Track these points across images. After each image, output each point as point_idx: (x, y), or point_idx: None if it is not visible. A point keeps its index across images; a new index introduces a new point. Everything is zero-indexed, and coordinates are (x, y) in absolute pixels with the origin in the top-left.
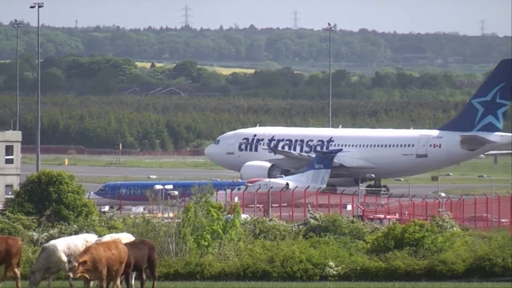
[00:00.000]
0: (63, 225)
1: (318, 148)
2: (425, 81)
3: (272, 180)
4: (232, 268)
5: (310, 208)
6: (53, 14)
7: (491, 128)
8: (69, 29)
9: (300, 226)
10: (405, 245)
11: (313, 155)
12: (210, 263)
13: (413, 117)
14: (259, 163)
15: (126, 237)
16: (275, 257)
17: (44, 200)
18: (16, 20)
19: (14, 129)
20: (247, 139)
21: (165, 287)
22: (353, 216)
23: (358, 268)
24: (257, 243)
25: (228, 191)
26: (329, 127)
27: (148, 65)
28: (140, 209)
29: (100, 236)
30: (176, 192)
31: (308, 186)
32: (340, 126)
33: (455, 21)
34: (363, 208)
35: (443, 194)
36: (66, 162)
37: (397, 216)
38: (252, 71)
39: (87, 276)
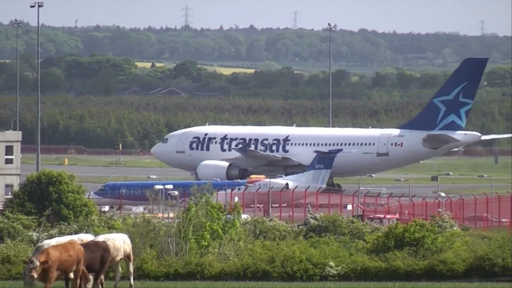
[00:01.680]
0: (63, 225)
1: (274, 147)
2: (425, 81)
3: (272, 180)
4: (232, 268)
5: (310, 208)
6: (53, 13)
7: (454, 126)
8: (69, 29)
9: (300, 226)
10: (405, 245)
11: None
12: (210, 263)
13: (413, 117)
14: (217, 162)
15: (121, 239)
16: (275, 257)
17: (44, 200)
18: (16, 20)
19: (14, 129)
20: (198, 138)
21: (165, 287)
22: (353, 216)
23: (358, 268)
24: (257, 243)
25: (228, 191)
26: (329, 127)
27: (148, 65)
28: (140, 209)
29: (96, 235)
30: (176, 192)
31: (308, 186)
32: (294, 124)
33: (455, 21)
34: (363, 208)
35: (443, 194)
36: (66, 162)
37: (397, 216)
38: (252, 71)
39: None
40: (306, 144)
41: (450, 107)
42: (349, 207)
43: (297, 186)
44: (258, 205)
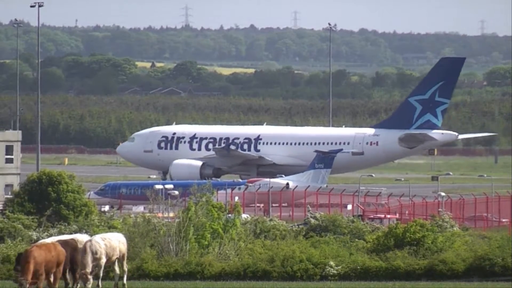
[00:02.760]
0: (63, 225)
1: (245, 146)
2: None
3: (272, 180)
4: (232, 268)
5: (310, 208)
6: (53, 13)
7: (430, 126)
8: (69, 29)
9: (300, 226)
10: (405, 245)
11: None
12: (210, 262)
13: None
14: (189, 161)
15: (116, 239)
16: (275, 257)
17: (44, 200)
18: (16, 20)
19: (14, 128)
20: (166, 137)
21: (165, 287)
22: (353, 216)
23: (358, 267)
24: (257, 243)
25: (229, 190)
26: (329, 126)
27: (148, 65)
28: (140, 208)
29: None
30: (177, 192)
31: (308, 186)
32: (265, 123)
33: (455, 21)
34: (363, 208)
35: (443, 194)
36: (66, 162)
37: (397, 215)
38: (252, 70)
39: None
40: (279, 143)
41: (426, 106)
42: (349, 207)
43: (297, 186)
44: (258, 205)
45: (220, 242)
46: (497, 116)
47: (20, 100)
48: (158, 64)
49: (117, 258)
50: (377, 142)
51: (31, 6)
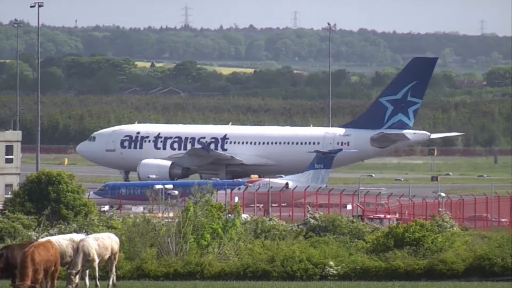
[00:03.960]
0: (63, 224)
1: (212, 146)
2: None
3: (272, 180)
4: (232, 268)
5: (309, 208)
6: (53, 13)
7: (401, 126)
8: (69, 29)
9: (300, 226)
10: (405, 245)
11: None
12: (210, 262)
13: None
14: (158, 161)
15: (109, 237)
16: (275, 257)
17: (44, 200)
18: (16, 20)
19: (14, 128)
20: (130, 136)
21: (165, 287)
22: (353, 216)
23: (358, 267)
24: (257, 243)
25: (228, 191)
26: (329, 126)
27: (148, 64)
28: (140, 208)
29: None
30: (176, 192)
31: (308, 186)
32: (230, 123)
33: (455, 21)
34: (363, 208)
35: (443, 194)
36: (66, 162)
37: (397, 215)
38: (252, 70)
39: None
40: (247, 142)
41: (398, 106)
42: (349, 207)
43: (297, 186)
44: (258, 205)
45: (219, 242)
46: (497, 116)
47: (20, 100)
48: (158, 64)
49: (109, 256)
50: (348, 142)
51: (31, 6)
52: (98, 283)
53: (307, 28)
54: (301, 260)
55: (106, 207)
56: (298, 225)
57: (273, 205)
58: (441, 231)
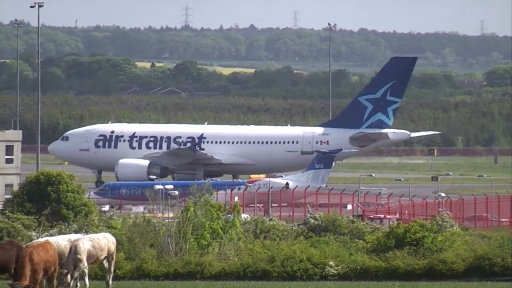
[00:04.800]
0: (63, 225)
1: (188, 145)
2: (425, 81)
3: (272, 179)
4: (232, 268)
5: (310, 208)
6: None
7: (381, 125)
8: (69, 29)
9: (300, 226)
10: (405, 245)
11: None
12: (210, 262)
13: (413, 117)
14: (136, 161)
15: (105, 238)
16: (275, 257)
17: (44, 200)
18: (16, 20)
19: (14, 128)
20: (104, 135)
21: (165, 286)
22: (353, 216)
23: (358, 267)
24: (257, 243)
25: (228, 191)
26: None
27: (148, 64)
28: (140, 209)
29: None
30: (176, 192)
31: (308, 186)
32: (206, 122)
33: (455, 21)
34: (363, 208)
35: (443, 194)
36: (66, 162)
37: (397, 216)
38: (252, 70)
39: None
40: (224, 142)
41: (377, 105)
42: (349, 207)
43: (297, 186)
44: (258, 205)
45: (219, 242)
46: (497, 116)
47: (20, 100)
48: (158, 64)
49: (105, 257)
50: (327, 141)
51: (31, 6)
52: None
53: (307, 28)
54: (301, 260)
55: (106, 207)
56: (298, 225)
57: (273, 205)
58: (441, 231)
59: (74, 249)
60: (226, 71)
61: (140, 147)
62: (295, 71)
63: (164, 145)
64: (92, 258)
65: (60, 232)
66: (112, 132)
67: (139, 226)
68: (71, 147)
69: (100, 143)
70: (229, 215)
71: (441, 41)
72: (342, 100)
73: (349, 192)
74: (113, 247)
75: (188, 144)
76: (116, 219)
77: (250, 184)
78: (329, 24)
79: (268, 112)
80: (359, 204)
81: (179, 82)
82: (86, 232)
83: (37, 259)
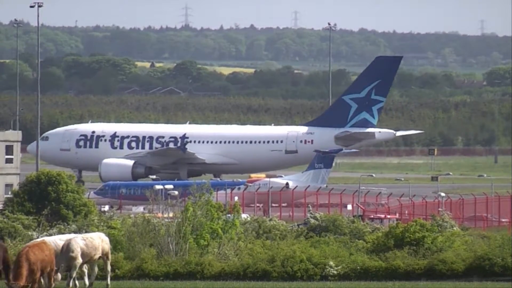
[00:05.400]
0: (62, 225)
1: (171, 145)
2: (425, 81)
3: (272, 179)
4: (232, 268)
5: (310, 208)
6: (53, 13)
7: (365, 124)
8: (69, 29)
9: (300, 226)
10: (405, 245)
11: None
12: (210, 262)
13: (413, 117)
14: (120, 161)
15: (98, 237)
16: (275, 257)
17: (44, 200)
18: (16, 20)
19: (14, 128)
20: (85, 135)
21: (164, 286)
22: (353, 216)
23: (358, 267)
24: (257, 243)
25: (228, 191)
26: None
27: (148, 64)
28: (140, 209)
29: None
30: (176, 192)
31: (308, 186)
32: (188, 122)
33: (455, 21)
34: (363, 208)
35: (443, 194)
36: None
37: (397, 215)
38: (252, 70)
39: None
40: (208, 142)
41: (362, 104)
42: (349, 207)
43: (297, 186)
44: (258, 205)
45: (219, 242)
46: (497, 116)
47: (20, 100)
48: (157, 64)
49: (99, 257)
50: (312, 141)
51: (31, 6)
52: (77, 283)
53: (308, 28)
54: (301, 260)
55: (106, 207)
56: (298, 225)
57: (273, 205)
58: (441, 231)
59: (66, 248)
60: (226, 71)
61: (121, 147)
62: (295, 71)
63: (147, 145)
64: (86, 257)
65: (60, 232)
66: (93, 132)
67: (139, 226)
68: (51, 147)
69: (81, 143)
70: (229, 215)
71: (441, 41)
72: None
73: (349, 192)
74: (107, 247)
75: (171, 144)
76: (116, 219)
77: (250, 184)
78: (329, 24)
79: (268, 112)
80: (359, 204)
81: (179, 82)
82: (86, 232)
83: (34, 258)
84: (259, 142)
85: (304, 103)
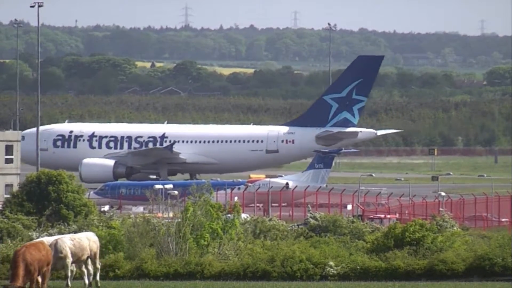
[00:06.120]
0: (63, 225)
1: (150, 145)
2: (425, 81)
3: (272, 179)
4: (232, 268)
5: (310, 208)
6: (53, 13)
7: (346, 124)
8: (69, 29)
9: (300, 226)
10: (405, 245)
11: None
12: (210, 262)
13: (413, 117)
14: (101, 161)
15: (87, 238)
16: (275, 257)
17: (44, 200)
18: (16, 20)
19: (14, 128)
20: (62, 135)
21: (164, 286)
22: (353, 216)
23: (358, 267)
24: (257, 243)
25: (228, 190)
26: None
27: (148, 64)
28: (140, 209)
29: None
30: (176, 192)
31: (308, 186)
32: (166, 122)
33: (455, 21)
34: (363, 208)
35: (443, 194)
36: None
37: (397, 215)
38: (252, 70)
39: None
40: (187, 141)
41: (343, 104)
42: (349, 207)
43: (297, 186)
44: (258, 205)
45: (219, 242)
46: (497, 116)
47: (20, 100)
48: (158, 64)
49: (87, 257)
50: (293, 140)
51: (31, 6)
52: (69, 283)
53: (308, 28)
54: (301, 260)
55: (106, 207)
56: (298, 225)
57: (273, 205)
58: (441, 231)
59: (55, 247)
60: (226, 71)
61: (100, 146)
62: (295, 71)
63: (125, 144)
64: (74, 257)
65: (60, 232)
66: (71, 132)
67: (139, 226)
68: (28, 147)
69: (59, 143)
70: (229, 215)
71: (441, 41)
72: None
73: (349, 192)
74: (95, 247)
75: (150, 144)
76: (116, 219)
77: (250, 184)
78: (329, 24)
79: (268, 112)
80: (359, 204)
81: (179, 82)
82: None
83: (30, 258)
84: (240, 141)
85: (304, 103)
